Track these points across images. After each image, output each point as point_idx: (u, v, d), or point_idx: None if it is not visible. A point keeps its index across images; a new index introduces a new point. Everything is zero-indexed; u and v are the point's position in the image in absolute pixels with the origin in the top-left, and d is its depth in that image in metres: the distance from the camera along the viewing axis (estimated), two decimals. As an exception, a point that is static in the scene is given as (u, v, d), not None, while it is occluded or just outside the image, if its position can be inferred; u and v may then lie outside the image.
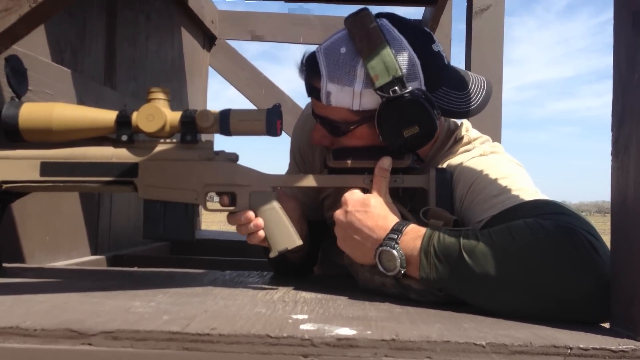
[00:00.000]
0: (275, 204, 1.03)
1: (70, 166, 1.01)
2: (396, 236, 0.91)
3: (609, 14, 0.79)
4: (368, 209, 0.96)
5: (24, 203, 1.28)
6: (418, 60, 1.02)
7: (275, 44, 3.64)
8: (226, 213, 1.06)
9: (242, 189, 1.03)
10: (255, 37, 3.44)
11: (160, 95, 1.00)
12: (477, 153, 1.09)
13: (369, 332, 0.70)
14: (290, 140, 1.35)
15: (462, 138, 1.13)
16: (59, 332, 0.68)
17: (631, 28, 0.74)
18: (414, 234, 0.91)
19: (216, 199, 1.06)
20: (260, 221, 1.02)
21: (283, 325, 0.73)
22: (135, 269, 1.35)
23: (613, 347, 0.67)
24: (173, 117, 1.01)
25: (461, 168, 1.06)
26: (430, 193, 1.03)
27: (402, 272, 0.90)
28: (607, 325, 0.79)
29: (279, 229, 1.03)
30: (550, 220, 0.83)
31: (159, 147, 1.02)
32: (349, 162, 1.06)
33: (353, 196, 0.99)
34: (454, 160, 1.09)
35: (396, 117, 1.01)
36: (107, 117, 1.00)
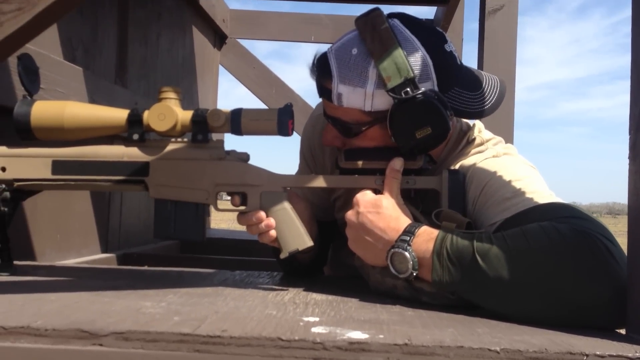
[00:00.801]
0: (287, 205, 1.03)
1: (82, 165, 1.01)
2: (408, 238, 0.90)
3: (622, 14, 0.78)
4: (380, 210, 0.95)
5: (34, 201, 1.29)
6: (430, 60, 1.01)
7: (286, 43, 3.64)
8: (236, 212, 1.05)
9: (253, 189, 1.03)
10: (266, 36, 3.43)
11: (172, 95, 1.00)
12: (489, 154, 1.08)
13: (381, 336, 0.69)
14: (301, 140, 1.34)
15: (474, 139, 1.12)
16: (70, 332, 0.68)
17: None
18: (427, 236, 0.90)
19: (226, 197, 1.05)
20: (271, 221, 1.02)
21: (294, 328, 0.72)
22: (146, 267, 1.35)
23: (630, 354, 0.66)
24: (184, 116, 1.00)
25: (474, 169, 1.05)
26: (443, 195, 1.02)
27: (414, 274, 0.89)
28: (622, 331, 0.78)
29: (290, 229, 1.02)
30: (566, 224, 0.82)
31: (170, 146, 1.02)
32: (361, 162, 1.06)
33: (365, 197, 0.98)
34: (467, 162, 1.08)
35: (408, 118, 1.00)
36: (119, 115, 1.00)
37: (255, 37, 3.49)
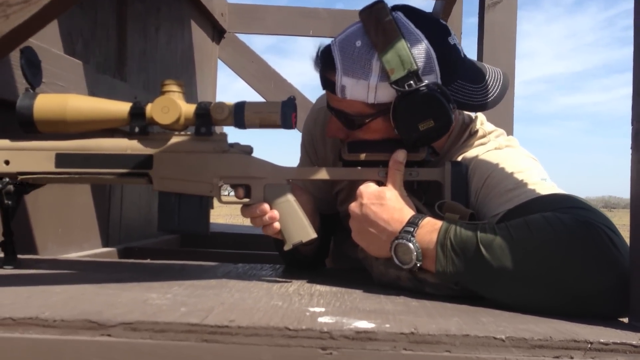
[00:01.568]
0: (290, 197, 1.03)
1: (85, 158, 1.01)
2: (412, 229, 0.90)
3: (618, 7, 0.79)
4: (383, 202, 0.96)
5: (36, 195, 1.29)
6: (434, 53, 1.02)
7: (284, 37, 3.63)
8: (236, 206, 1.06)
9: (256, 182, 1.03)
10: (265, 30, 3.43)
11: (175, 88, 1.00)
12: (492, 146, 1.08)
13: (387, 326, 0.70)
14: (302, 133, 1.35)
15: (477, 131, 1.13)
16: (78, 323, 0.68)
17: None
18: (430, 227, 0.90)
19: (230, 191, 1.06)
20: (275, 213, 1.02)
21: (301, 318, 0.73)
22: (149, 260, 1.36)
23: (634, 342, 0.66)
24: (188, 109, 1.01)
25: (476, 161, 1.05)
26: (446, 186, 1.02)
27: (418, 265, 0.90)
28: (625, 319, 0.78)
29: (294, 221, 1.02)
30: (569, 214, 0.83)
31: (174, 139, 1.02)
32: (364, 155, 1.06)
33: (368, 189, 0.99)
34: (469, 154, 1.09)
35: (412, 110, 1.01)
36: (121, 108, 1.00)
37: (253, 31, 3.48)
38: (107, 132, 1.04)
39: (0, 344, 0.68)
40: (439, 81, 1.02)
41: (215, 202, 1.05)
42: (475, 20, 2.08)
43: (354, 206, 0.99)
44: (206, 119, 1.01)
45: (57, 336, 0.68)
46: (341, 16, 3.36)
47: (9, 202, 1.03)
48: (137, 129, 1.01)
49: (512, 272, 0.82)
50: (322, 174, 1.05)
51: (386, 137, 1.06)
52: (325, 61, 1.08)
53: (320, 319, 0.72)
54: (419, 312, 0.79)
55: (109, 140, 1.02)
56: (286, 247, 1.03)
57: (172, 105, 0.99)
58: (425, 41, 1.02)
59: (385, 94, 1.02)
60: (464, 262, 0.85)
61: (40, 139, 1.01)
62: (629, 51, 0.78)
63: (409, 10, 1.06)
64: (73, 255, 1.69)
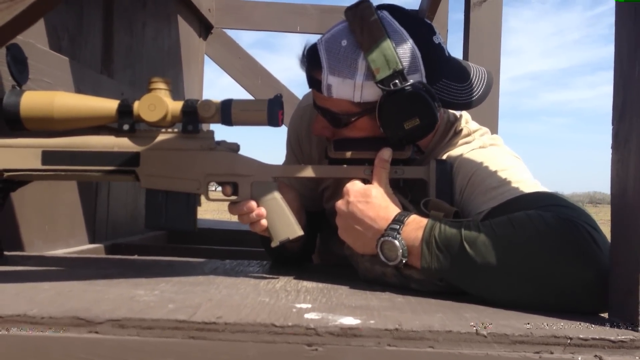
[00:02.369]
0: (277, 194, 1.04)
1: (72, 155, 1.01)
2: (398, 226, 0.92)
3: (604, 6, 0.81)
4: (369, 200, 0.97)
5: (22, 192, 1.28)
6: (419, 52, 1.03)
7: (271, 32, 3.62)
8: (221, 203, 1.06)
9: (243, 179, 1.04)
10: (252, 26, 3.42)
11: (162, 85, 1.00)
12: (476, 145, 1.10)
13: (372, 322, 0.71)
14: (287, 131, 1.35)
15: (461, 130, 1.14)
16: (66, 319, 0.69)
17: (633, 22, 0.74)
18: (416, 225, 0.92)
19: (218, 188, 1.06)
20: (262, 210, 1.03)
21: (287, 314, 0.74)
22: (136, 257, 1.36)
23: (612, 338, 0.68)
24: (175, 106, 1.01)
25: (461, 160, 1.07)
26: (431, 184, 1.04)
27: (404, 261, 0.91)
28: (605, 315, 0.80)
29: (281, 219, 1.03)
30: (551, 212, 0.85)
31: (161, 137, 1.02)
32: (350, 153, 1.07)
33: (354, 187, 1.00)
34: (454, 152, 1.10)
35: (397, 109, 1.02)
36: (109, 106, 1.00)
37: (240, 27, 3.47)
38: (95, 130, 1.03)
39: (-13, 341, 0.68)
40: (424, 80, 1.03)
41: (203, 199, 1.05)
42: (460, 16, 2.09)
43: (340, 204, 1.00)
44: (193, 116, 1.01)
45: (45, 333, 0.69)
46: (329, 12, 3.36)
47: (-4, 200, 1.03)
48: (126, 127, 1.01)
49: (495, 268, 0.83)
50: (309, 172, 1.06)
51: (372, 136, 1.08)
52: (311, 60, 1.09)
53: (307, 315, 0.73)
54: (404, 308, 0.80)
55: (95, 138, 1.02)
56: (273, 244, 1.04)
57: (158, 103, 0.99)
58: (410, 40, 1.03)
59: (371, 92, 1.03)
60: (448, 259, 0.87)
61: (27, 136, 1.01)
62: (613, 49, 0.80)
63: (394, 9, 1.07)
64: (60, 251, 1.69)
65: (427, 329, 0.69)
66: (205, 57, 3.39)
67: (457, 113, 1.19)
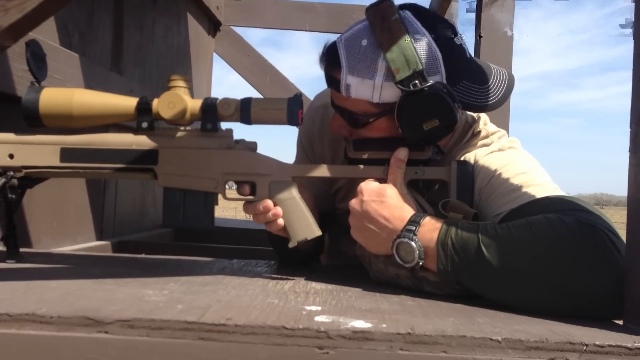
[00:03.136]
0: (296, 194, 1.03)
1: (90, 152, 1.00)
2: (414, 228, 0.91)
3: (614, 5, 0.79)
4: (384, 199, 0.96)
5: (31, 188, 1.28)
6: (440, 53, 1.01)
7: (279, 30, 3.62)
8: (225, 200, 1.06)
9: (262, 178, 1.03)
10: (261, 24, 3.42)
11: (181, 83, 1.00)
12: (495, 148, 1.09)
13: (384, 325, 0.70)
14: (299, 130, 1.34)
15: (479, 132, 1.13)
16: (75, 319, 0.68)
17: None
18: (431, 226, 0.90)
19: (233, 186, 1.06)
20: (279, 210, 1.02)
21: (297, 316, 0.73)
22: (143, 255, 1.35)
23: (629, 345, 0.67)
24: (194, 104, 1.00)
25: (481, 162, 1.06)
26: (451, 185, 1.03)
27: (420, 263, 0.90)
28: (620, 322, 0.79)
29: (299, 219, 1.02)
30: (572, 216, 0.83)
31: (179, 135, 1.02)
32: (369, 153, 1.06)
33: (369, 186, 0.99)
34: (472, 154, 1.09)
35: (416, 110, 1.01)
36: (128, 103, 1.00)
37: (249, 24, 3.46)
38: (112, 127, 1.03)
39: (-4, 340, 0.67)
40: (444, 81, 1.02)
41: (220, 198, 1.04)
42: (471, 15, 2.08)
43: (354, 203, 0.99)
44: (212, 114, 1.00)
45: (54, 332, 0.68)
46: (338, 10, 3.35)
47: (13, 196, 1.02)
48: (144, 124, 1.00)
49: (512, 272, 0.82)
50: (328, 171, 1.05)
51: (390, 136, 1.06)
52: (330, 59, 1.07)
53: (317, 318, 0.72)
54: (415, 312, 0.79)
55: (114, 135, 1.01)
56: (291, 245, 1.03)
57: (178, 101, 0.99)
58: (432, 41, 1.02)
59: (390, 93, 1.02)
60: (465, 261, 0.86)
61: (45, 133, 1.01)
62: (624, 49, 0.78)
63: (415, 9, 1.06)
64: (67, 248, 1.69)
65: (440, 334, 0.68)
66: (214, 54, 3.38)
67: (475, 115, 1.18)
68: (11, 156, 1.00)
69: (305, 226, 1.03)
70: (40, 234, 1.54)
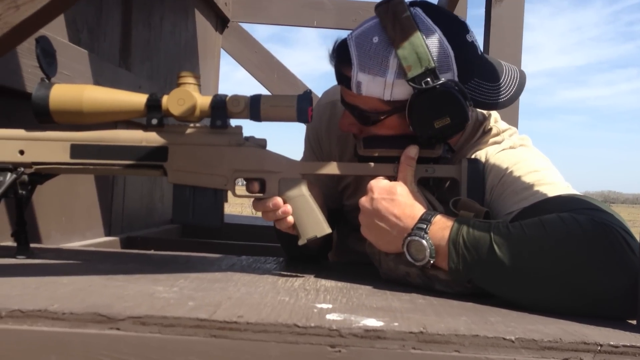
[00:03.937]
0: (305, 191, 1.02)
1: (101, 149, 1.00)
2: (425, 226, 0.90)
3: (623, 2, 0.78)
4: (394, 197, 0.95)
5: (41, 185, 1.29)
6: (452, 51, 1.01)
7: (286, 26, 3.61)
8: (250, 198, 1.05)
9: (271, 176, 1.02)
10: (268, 20, 3.41)
11: (191, 80, 0.99)
12: (506, 145, 1.08)
13: (396, 324, 0.70)
14: (306, 128, 1.33)
15: (490, 129, 1.12)
16: (87, 316, 0.68)
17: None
18: (442, 224, 0.90)
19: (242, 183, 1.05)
20: (288, 207, 1.02)
21: (309, 314, 0.73)
22: (153, 251, 1.36)
23: (644, 345, 0.66)
24: (203, 101, 1.00)
25: (492, 159, 1.05)
26: (462, 183, 1.02)
27: (431, 262, 0.89)
28: (633, 322, 0.78)
29: (309, 216, 1.02)
30: (585, 215, 0.83)
31: (189, 132, 1.02)
32: (380, 150, 1.06)
33: (379, 183, 0.98)
34: (483, 152, 1.08)
35: (427, 108, 1.00)
36: (138, 100, 1.00)
37: (257, 21, 3.46)
38: (121, 124, 1.03)
39: (8, 336, 0.68)
40: (456, 79, 1.01)
41: (229, 195, 1.04)
42: (479, 12, 2.06)
43: (364, 200, 0.98)
44: (222, 111, 1.00)
45: (66, 329, 0.68)
46: (345, 7, 3.34)
47: (23, 192, 1.03)
48: (154, 121, 1.00)
49: (525, 270, 0.82)
50: (338, 169, 1.05)
51: (400, 134, 1.06)
52: (341, 56, 1.07)
53: (328, 316, 0.72)
54: (427, 311, 0.79)
55: (124, 132, 1.01)
56: (301, 242, 1.03)
57: (187, 97, 0.99)
58: (444, 38, 1.01)
59: (402, 91, 1.01)
60: (476, 260, 0.85)
61: (55, 130, 1.01)
62: (632, 46, 0.77)
63: (427, 7, 1.05)
64: (76, 244, 1.69)
65: (453, 333, 0.67)
66: (221, 50, 3.38)
67: (486, 112, 1.17)
68: (22, 152, 1.00)
69: (315, 223, 1.02)
70: (49, 230, 1.55)
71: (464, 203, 0.96)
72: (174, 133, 1.01)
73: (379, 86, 1.02)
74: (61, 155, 1.00)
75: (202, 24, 2.98)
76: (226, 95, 1.00)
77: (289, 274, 1.05)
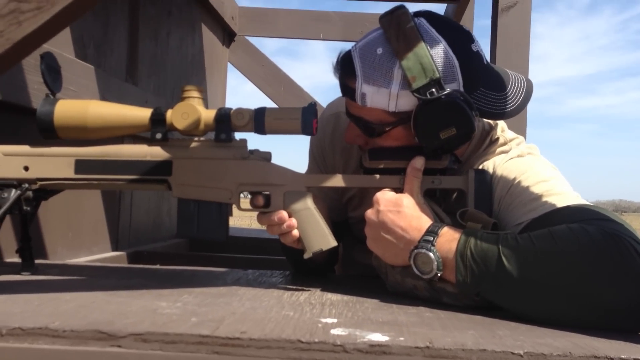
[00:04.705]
0: (311, 204, 1.02)
1: (105, 164, 1.00)
2: (432, 238, 0.89)
3: (633, 11, 0.77)
4: (400, 209, 0.94)
5: (45, 200, 1.29)
6: (457, 61, 1.00)
7: (294, 40, 3.63)
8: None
9: (276, 189, 1.02)
10: (275, 34, 3.43)
11: (195, 94, 0.99)
12: (514, 154, 1.07)
13: (401, 339, 0.68)
14: (310, 140, 1.33)
15: (497, 139, 1.11)
16: (88, 333, 0.68)
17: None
18: (449, 236, 0.88)
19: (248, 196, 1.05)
20: (293, 221, 1.01)
21: (313, 329, 0.71)
22: (158, 266, 1.35)
23: (656, 359, 0.64)
24: (207, 115, 1.00)
25: (500, 169, 1.04)
26: (469, 195, 1.01)
27: (439, 274, 0.88)
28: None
29: (315, 229, 1.01)
30: (595, 226, 0.81)
31: (194, 146, 1.01)
32: (385, 162, 1.05)
33: (385, 195, 0.97)
34: (491, 162, 1.07)
35: (433, 119, 0.99)
36: (142, 114, 0.99)
37: (264, 34, 3.48)
38: (126, 138, 1.03)
39: (9, 354, 0.67)
40: (462, 89, 1.00)
41: (234, 208, 1.04)
42: (486, 22, 2.06)
43: (370, 213, 0.97)
44: (226, 125, 0.99)
45: (67, 347, 0.67)
46: (352, 19, 3.35)
47: (28, 209, 1.02)
48: (159, 135, 1.00)
49: (534, 283, 0.80)
50: (343, 181, 1.04)
51: (406, 145, 1.05)
52: (345, 68, 1.06)
53: (333, 331, 0.71)
54: (434, 324, 0.77)
55: (128, 147, 1.01)
56: (306, 256, 1.02)
57: (191, 111, 0.98)
58: (448, 48, 1.00)
59: (407, 102, 1.01)
60: (484, 272, 0.83)
61: (60, 145, 1.01)
62: (640, 55, 0.75)
63: (431, 17, 1.04)
64: (83, 259, 1.69)
65: (460, 347, 0.66)
66: (229, 64, 3.40)
67: (493, 122, 1.16)
68: (26, 168, 1.00)
69: (320, 237, 1.01)
70: (56, 245, 1.55)
71: (471, 214, 0.95)
72: (178, 147, 1.01)
73: (383, 97, 1.01)
74: (66, 170, 1.00)
75: (209, 38, 2.99)
76: (230, 109, 1.00)
77: (294, 287, 1.04)
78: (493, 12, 2.00)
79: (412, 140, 1.03)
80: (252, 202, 1.02)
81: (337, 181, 1.04)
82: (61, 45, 1.52)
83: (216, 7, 2.93)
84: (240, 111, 0.99)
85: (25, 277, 1.06)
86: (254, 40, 3.46)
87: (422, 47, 0.98)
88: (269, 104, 3.22)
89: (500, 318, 0.83)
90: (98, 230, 1.83)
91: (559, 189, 0.96)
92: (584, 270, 0.78)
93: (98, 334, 0.67)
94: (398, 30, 1.00)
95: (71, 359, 0.67)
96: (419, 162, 1.00)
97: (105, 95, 1.66)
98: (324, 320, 0.77)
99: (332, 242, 1.02)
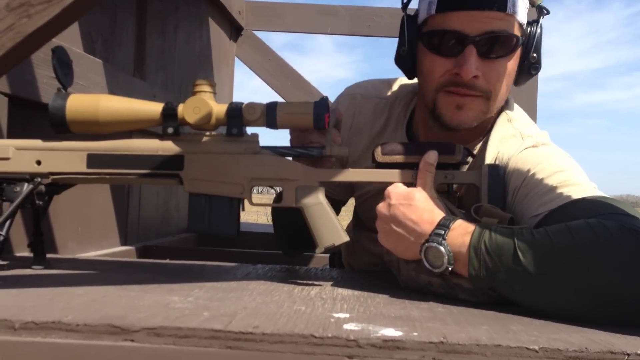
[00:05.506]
0: (323, 199, 1.01)
1: (117, 158, 1.00)
2: (443, 232, 0.88)
3: None
4: (412, 202, 0.93)
5: (58, 195, 1.29)
6: None
7: (300, 34, 3.61)
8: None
9: (288, 183, 1.01)
10: (282, 28, 3.41)
11: (206, 88, 0.99)
12: (529, 144, 1.06)
13: (415, 334, 0.68)
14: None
15: (509, 120, 1.14)
16: (101, 327, 0.68)
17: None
18: (462, 230, 0.87)
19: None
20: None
21: (326, 324, 0.71)
22: (168, 261, 1.35)
23: (673, 354, 0.64)
24: (219, 109, 0.99)
25: (514, 159, 1.03)
26: (483, 190, 1.00)
27: (450, 269, 0.87)
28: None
29: (327, 224, 1.01)
30: (614, 221, 0.80)
31: (205, 140, 1.01)
32: (398, 157, 1.04)
33: (397, 189, 0.96)
34: (505, 150, 1.07)
35: (541, 40, 1.08)
36: (154, 109, 0.99)
37: (271, 28, 3.46)
38: (137, 133, 1.03)
39: (22, 348, 0.67)
40: None
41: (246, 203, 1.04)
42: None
43: (381, 207, 0.96)
44: (238, 119, 0.99)
45: (80, 341, 0.67)
46: (359, 13, 3.33)
47: (40, 203, 1.03)
48: (170, 130, 1.00)
49: (551, 278, 0.79)
50: (356, 176, 1.03)
51: (506, 85, 1.09)
52: None
53: (346, 326, 0.71)
54: (447, 320, 0.77)
55: (140, 141, 1.01)
56: (318, 250, 1.02)
57: (203, 106, 0.98)
58: None
59: (524, 18, 1.06)
60: (499, 267, 0.82)
61: (71, 140, 1.01)
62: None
63: None
64: (92, 254, 1.70)
65: (474, 343, 0.65)
66: (236, 59, 3.39)
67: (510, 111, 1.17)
68: (38, 162, 1.00)
69: (333, 231, 1.01)
70: (65, 240, 1.55)
71: (486, 209, 0.94)
72: (189, 142, 1.01)
73: (522, 5, 1.05)
74: (78, 165, 1.00)
75: (217, 33, 2.99)
76: (242, 103, 0.99)
77: (305, 282, 1.04)
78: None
79: (509, 80, 1.09)
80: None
81: (349, 176, 1.04)
82: (69, 40, 1.52)
83: (223, 1, 2.92)
84: (252, 105, 0.99)
85: (36, 271, 1.06)
86: (261, 35, 3.46)
87: None
88: (277, 98, 3.21)
89: (513, 313, 0.82)
90: (107, 225, 1.83)
91: (576, 179, 0.95)
92: (602, 266, 0.77)
93: (111, 328, 0.67)
94: None
95: (84, 353, 0.67)
96: (431, 157, 0.99)
97: (114, 89, 1.66)
98: (336, 315, 0.77)
99: (344, 237, 1.01)
